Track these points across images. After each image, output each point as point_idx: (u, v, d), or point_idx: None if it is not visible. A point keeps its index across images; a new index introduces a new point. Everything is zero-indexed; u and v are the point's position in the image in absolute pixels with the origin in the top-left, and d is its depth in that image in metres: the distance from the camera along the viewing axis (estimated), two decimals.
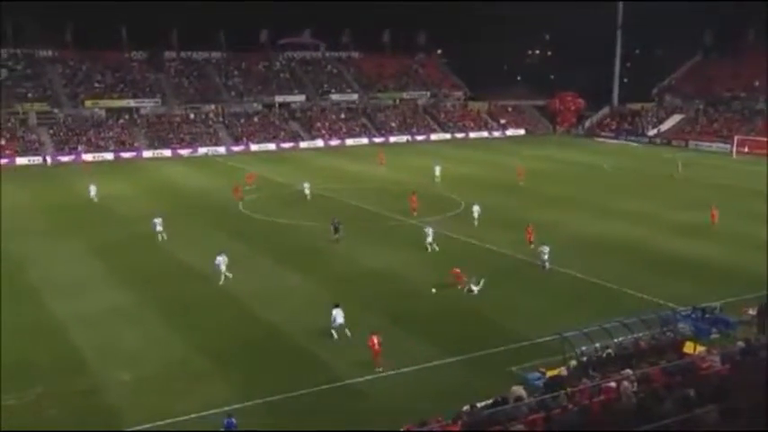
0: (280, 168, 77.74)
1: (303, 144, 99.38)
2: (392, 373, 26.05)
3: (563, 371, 22.95)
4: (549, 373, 23.15)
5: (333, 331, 29.14)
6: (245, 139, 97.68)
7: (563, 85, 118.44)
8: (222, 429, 21.40)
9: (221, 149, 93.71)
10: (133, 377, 26.04)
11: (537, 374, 23.99)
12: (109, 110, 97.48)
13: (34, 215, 53.91)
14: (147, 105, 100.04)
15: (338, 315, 29.27)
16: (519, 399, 17.93)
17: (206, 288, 36.33)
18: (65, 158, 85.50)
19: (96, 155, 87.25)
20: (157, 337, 29.92)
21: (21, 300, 34.28)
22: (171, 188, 66.08)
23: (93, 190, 59.05)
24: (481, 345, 28.42)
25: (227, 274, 36.32)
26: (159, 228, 45.05)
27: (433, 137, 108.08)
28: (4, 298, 34.16)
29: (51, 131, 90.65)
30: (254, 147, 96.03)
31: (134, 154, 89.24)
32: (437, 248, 41.73)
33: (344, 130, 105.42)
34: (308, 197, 57.50)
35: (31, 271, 38.98)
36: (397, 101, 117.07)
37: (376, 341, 26.36)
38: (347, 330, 29.14)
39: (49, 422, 22.89)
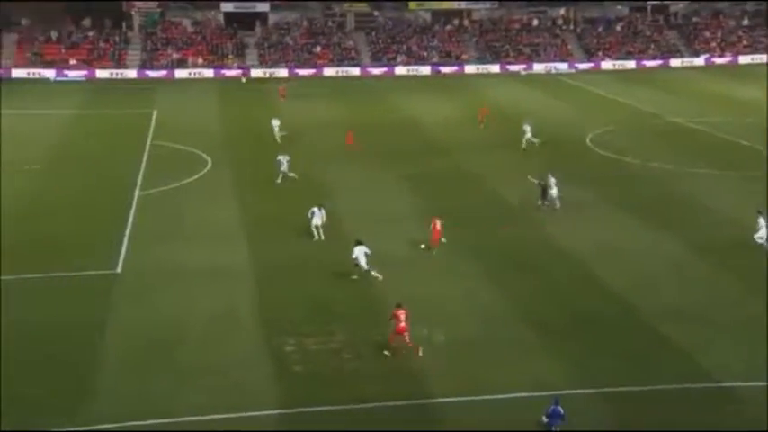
0: (644, 93, 75.38)
1: (675, 62, 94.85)
2: None
3: None
4: None
5: (368, 271, 31.16)
6: (600, 53, 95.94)
7: None
8: (545, 418, 21.67)
9: (562, 66, 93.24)
10: (445, 338, 27.38)
11: None
12: (435, 13, 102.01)
13: (343, 135, 58.92)
14: (482, 8, 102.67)
15: (360, 255, 31.27)
16: None
17: (535, 237, 37.08)
18: (377, 71, 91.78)
19: (411, 68, 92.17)
20: (475, 292, 31.13)
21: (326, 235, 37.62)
22: (502, 112, 67.53)
23: (276, 125, 56.42)
24: None
25: (321, 235, 36.66)
26: (285, 167, 45.38)
27: None
28: (304, 231, 37.63)
29: (369, 38, 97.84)
30: (606, 64, 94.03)
31: (455, 69, 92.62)
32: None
33: (744, 42, 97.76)
34: (529, 143, 52.79)
35: (337, 201, 42.60)
36: None
37: (402, 316, 25.69)
38: (375, 272, 31.25)
39: (349, 375, 25.14)
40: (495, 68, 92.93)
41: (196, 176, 47.52)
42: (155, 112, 66.68)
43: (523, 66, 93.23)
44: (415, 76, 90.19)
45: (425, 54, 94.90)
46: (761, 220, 34.62)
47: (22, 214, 40.51)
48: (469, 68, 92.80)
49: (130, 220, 39.85)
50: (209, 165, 49.91)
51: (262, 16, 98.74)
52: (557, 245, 36.08)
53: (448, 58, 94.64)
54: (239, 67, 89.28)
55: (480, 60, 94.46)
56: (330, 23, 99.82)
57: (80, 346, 26.90)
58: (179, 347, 26.85)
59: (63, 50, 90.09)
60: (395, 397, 23.62)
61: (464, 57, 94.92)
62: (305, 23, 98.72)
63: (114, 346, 27.02)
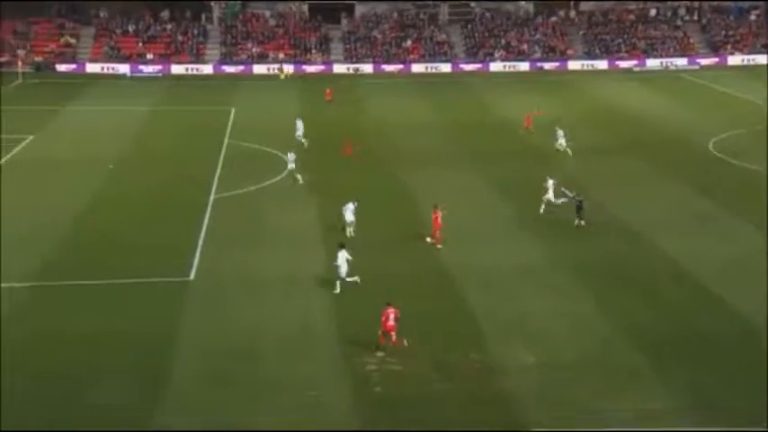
0: None
1: None
2: None
3: None
4: None
5: (337, 282, 32.14)
6: (728, 46, 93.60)
7: None
8: None
9: (681, 62, 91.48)
10: (540, 362, 27.07)
11: None
12: (538, 4, 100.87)
13: (427, 135, 59.10)
14: None
15: (342, 261, 32.11)
16: None
17: (645, 251, 36.61)
18: (470, 67, 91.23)
19: (508, 64, 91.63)
20: (575, 312, 30.72)
21: (410, 243, 37.91)
22: (613, 114, 66.68)
23: (300, 127, 56.69)
24: None
25: (351, 231, 38.01)
26: (292, 165, 46.65)
27: None
28: (396, 240, 38.02)
29: (464, 31, 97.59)
30: (733, 59, 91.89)
31: (556, 65, 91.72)
32: None
33: None
34: (562, 148, 52.68)
35: (423, 208, 42.56)
36: None
37: (392, 316, 27.06)
38: (351, 279, 32.13)
39: (436, 399, 24.96)
40: (602, 65, 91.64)
41: (275, 179, 48.03)
42: (232, 110, 67.84)
43: (635, 61, 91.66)
44: (512, 73, 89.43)
45: (526, 49, 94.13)
46: None
47: (93, 216, 41.78)
48: (573, 65, 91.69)
49: (205, 224, 40.59)
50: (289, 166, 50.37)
51: (349, 8, 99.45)
52: (671, 260, 35.50)
53: (551, 53, 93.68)
54: (279, 62, 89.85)
55: (587, 56, 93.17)
56: (422, 15, 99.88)
57: (151, 355, 27.56)
58: (253, 360, 27.24)
59: (140, 44, 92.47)
60: (485, 425, 23.40)
61: (569, 52, 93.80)
62: (395, 15, 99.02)
63: (186, 356, 27.58)
